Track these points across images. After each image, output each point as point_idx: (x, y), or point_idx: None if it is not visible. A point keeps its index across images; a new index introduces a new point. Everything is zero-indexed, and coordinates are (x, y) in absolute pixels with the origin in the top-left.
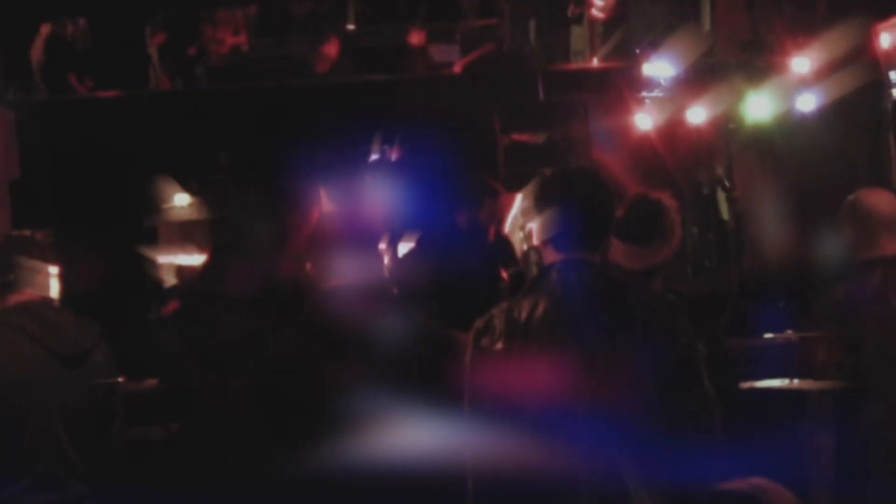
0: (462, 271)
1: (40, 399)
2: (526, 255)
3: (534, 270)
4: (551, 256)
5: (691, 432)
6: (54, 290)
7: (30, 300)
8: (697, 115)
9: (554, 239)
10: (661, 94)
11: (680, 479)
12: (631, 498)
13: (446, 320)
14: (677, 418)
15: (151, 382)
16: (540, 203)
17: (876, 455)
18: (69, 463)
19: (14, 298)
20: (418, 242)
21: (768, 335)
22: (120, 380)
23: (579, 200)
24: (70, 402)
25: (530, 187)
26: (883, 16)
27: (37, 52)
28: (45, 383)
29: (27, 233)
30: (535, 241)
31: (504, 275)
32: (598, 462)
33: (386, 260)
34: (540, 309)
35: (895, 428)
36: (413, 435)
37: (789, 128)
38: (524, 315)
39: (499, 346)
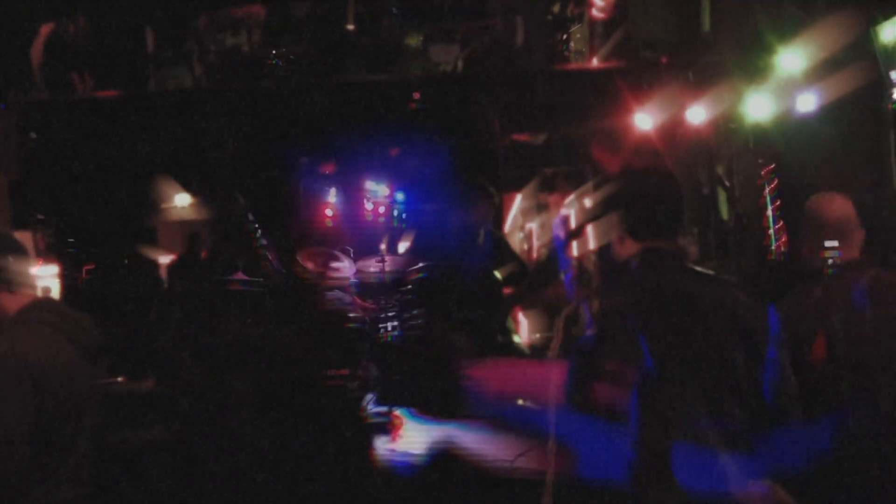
0: (455, 269)
1: (77, 393)
2: (540, 252)
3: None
4: (631, 247)
5: (779, 422)
6: (52, 290)
7: (44, 299)
8: (697, 115)
9: (634, 230)
10: (662, 94)
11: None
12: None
13: (442, 317)
14: (765, 409)
15: (151, 382)
16: (618, 198)
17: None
18: (89, 459)
19: (21, 298)
20: (413, 242)
21: None
22: (120, 379)
23: (658, 193)
24: (93, 397)
25: (533, 187)
26: (883, 15)
27: (37, 52)
28: (78, 377)
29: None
30: (612, 233)
31: (498, 273)
32: (690, 446)
33: (387, 259)
34: (624, 298)
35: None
36: (416, 432)
37: (789, 128)
38: (613, 304)
39: (590, 331)
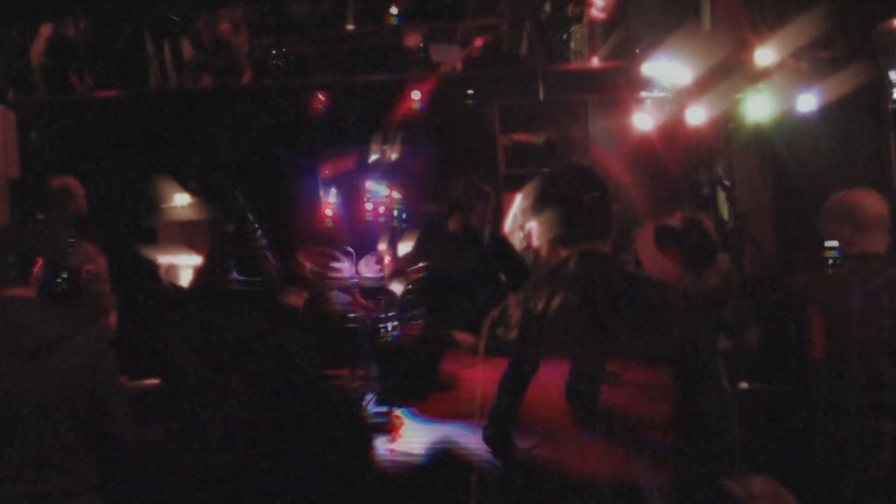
0: (456, 272)
1: (3, 392)
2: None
3: (536, 268)
4: (563, 251)
5: (709, 430)
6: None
7: (9, 296)
8: (697, 115)
9: (562, 235)
10: (662, 94)
11: (691, 475)
12: (643, 492)
13: (444, 318)
14: (695, 416)
15: (151, 382)
16: (542, 202)
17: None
18: (44, 456)
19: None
20: (416, 243)
21: None
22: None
23: (580, 194)
24: (39, 394)
25: (529, 188)
26: (884, 16)
27: (37, 52)
28: (7, 376)
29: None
30: (541, 239)
31: (502, 274)
32: (613, 454)
33: (387, 260)
34: (557, 300)
35: (832, 430)
36: (415, 431)
37: (789, 128)
38: (541, 306)
39: (513, 335)
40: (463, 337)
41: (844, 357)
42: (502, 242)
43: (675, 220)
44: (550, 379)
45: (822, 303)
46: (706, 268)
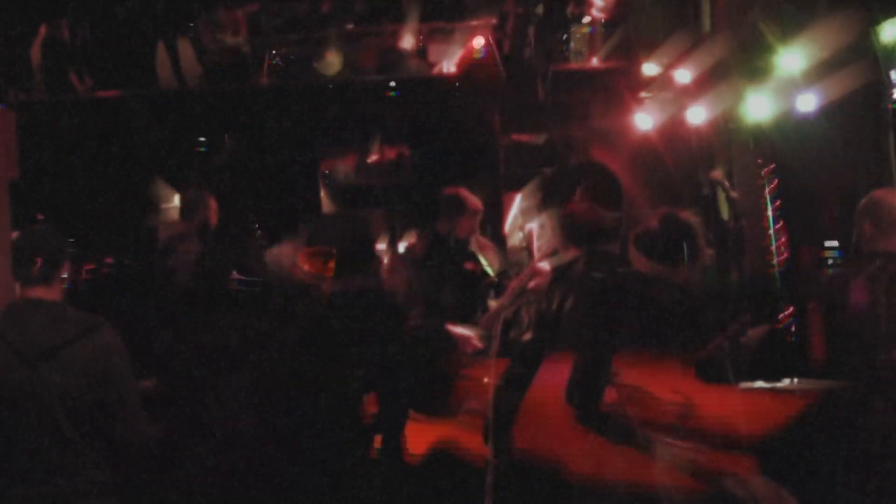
0: (443, 275)
1: (7, 396)
2: (518, 255)
3: (526, 268)
4: (571, 251)
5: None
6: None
7: (23, 299)
8: (697, 115)
9: (569, 234)
10: (662, 94)
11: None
12: (659, 495)
13: (434, 320)
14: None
15: (151, 382)
16: (549, 201)
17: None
18: (49, 459)
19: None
20: (408, 246)
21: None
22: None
23: (594, 195)
24: (43, 398)
25: (530, 188)
26: (883, 15)
27: (37, 52)
28: (10, 381)
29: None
30: (549, 239)
31: (488, 279)
32: (623, 455)
33: (385, 261)
34: (570, 301)
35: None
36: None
37: (789, 128)
38: (554, 307)
39: (527, 336)
40: (458, 332)
41: (874, 352)
42: (492, 248)
43: (653, 219)
44: (551, 378)
45: (841, 300)
46: (688, 263)
